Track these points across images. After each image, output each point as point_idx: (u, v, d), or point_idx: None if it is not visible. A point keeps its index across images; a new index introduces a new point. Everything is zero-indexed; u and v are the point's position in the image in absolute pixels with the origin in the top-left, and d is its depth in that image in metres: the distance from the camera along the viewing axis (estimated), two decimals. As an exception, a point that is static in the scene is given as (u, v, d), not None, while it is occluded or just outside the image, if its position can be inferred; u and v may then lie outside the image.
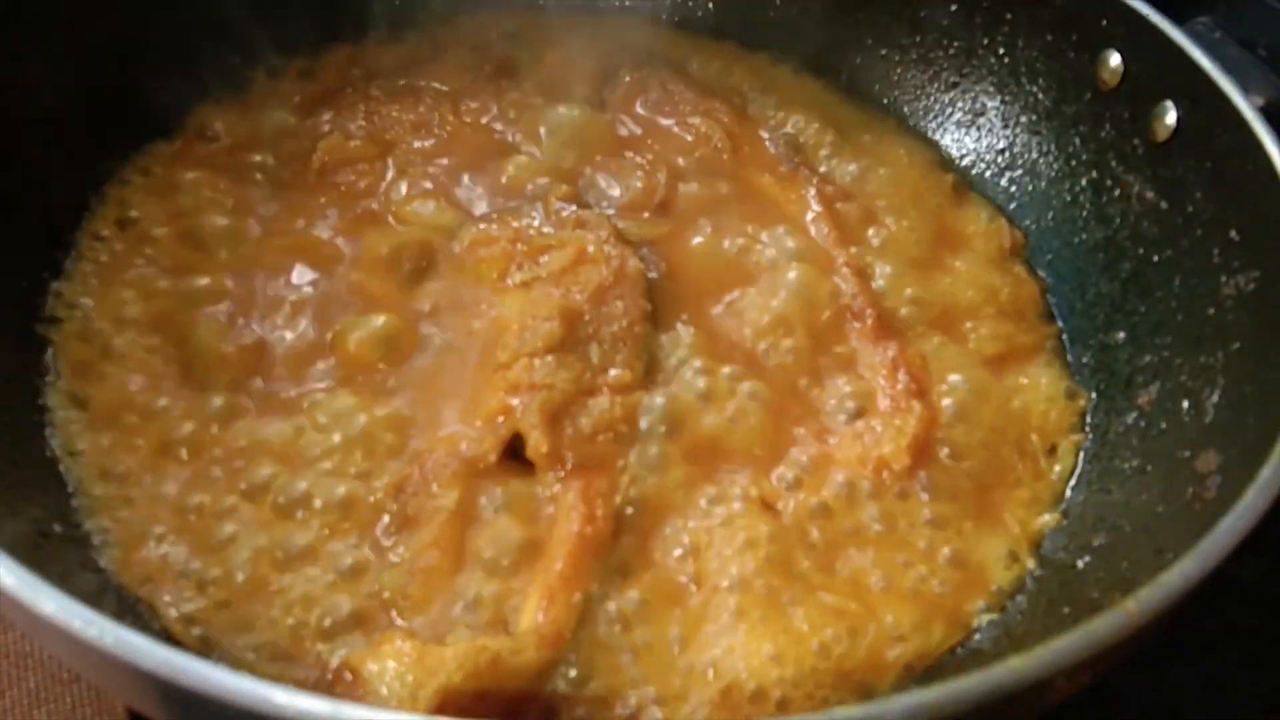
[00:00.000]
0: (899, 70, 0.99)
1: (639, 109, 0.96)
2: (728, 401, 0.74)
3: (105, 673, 0.49)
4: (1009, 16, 0.92)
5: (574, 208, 0.84)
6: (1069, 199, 0.88)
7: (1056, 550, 0.71)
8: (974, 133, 0.95)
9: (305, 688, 0.45)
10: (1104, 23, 0.83)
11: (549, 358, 0.73)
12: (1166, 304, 0.77)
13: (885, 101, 0.99)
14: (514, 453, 0.70)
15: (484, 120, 0.93)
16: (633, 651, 0.63)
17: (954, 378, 0.78)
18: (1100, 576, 0.66)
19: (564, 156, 0.90)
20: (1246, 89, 0.74)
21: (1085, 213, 0.86)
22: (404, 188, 0.85)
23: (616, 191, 0.88)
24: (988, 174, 0.94)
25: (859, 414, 0.75)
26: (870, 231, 0.87)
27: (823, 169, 0.92)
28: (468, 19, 1.02)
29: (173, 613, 0.61)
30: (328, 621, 0.62)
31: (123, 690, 0.56)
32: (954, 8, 0.95)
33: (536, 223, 0.83)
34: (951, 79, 0.97)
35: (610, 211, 0.86)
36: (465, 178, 0.88)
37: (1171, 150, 0.79)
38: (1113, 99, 0.84)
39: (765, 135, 0.94)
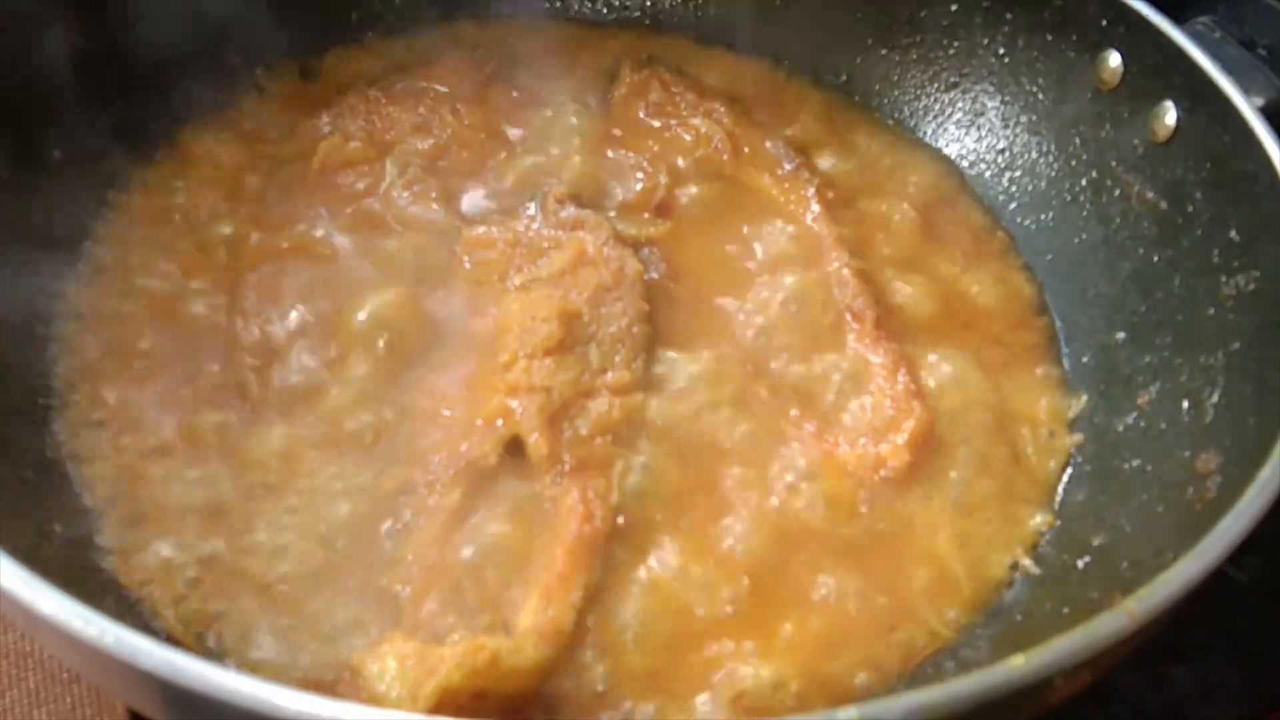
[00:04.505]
0: (899, 70, 0.99)
1: (639, 110, 0.96)
2: (726, 402, 0.74)
3: (105, 673, 0.50)
4: (1009, 16, 0.92)
5: (573, 209, 0.84)
6: (1069, 199, 0.88)
7: (1056, 550, 0.70)
8: (974, 133, 0.95)
9: (305, 688, 0.44)
10: (1104, 23, 0.83)
11: (548, 360, 0.73)
12: (1166, 304, 0.77)
13: (885, 101, 0.99)
14: (514, 453, 0.70)
15: (483, 122, 0.93)
16: (633, 652, 0.63)
17: (953, 378, 0.78)
18: (1100, 576, 0.65)
19: (563, 157, 0.90)
20: (1246, 89, 0.74)
21: (1085, 213, 0.86)
22: (403, 189, 0.85)
23: (616, 192, 0.88)
24: (988, 174, 0.94)
25: (858, 414, 0.75)
26: (869, 232, 0.87)
27: (822, 170, 0.92)
28: (467, 21, 1.02)
29: (172, 613, 0.61)
30: (328, 621, 0.62)
31: (123, 690, 0.56)
32: (954, 8, 0.95)
33: (535, 224, 0.83)
34: (951, 79, 0.97)
35: (610, 213, 0.86)
36: (464, 179, 0.88)
37: (1171, 150, 0.79)
38: (1113, 99, 0.84)
39: (765, 136, 0.94)
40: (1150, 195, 0.80)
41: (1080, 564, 0.68)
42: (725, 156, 0.92)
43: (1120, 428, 0.75)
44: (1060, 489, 0.75)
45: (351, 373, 0.73)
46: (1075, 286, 0.85)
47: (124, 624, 0.45)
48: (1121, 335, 0.79)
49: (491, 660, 0.58)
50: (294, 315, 0.76)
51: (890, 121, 0.99)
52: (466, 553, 0.65)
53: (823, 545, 0.69)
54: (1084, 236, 0.86)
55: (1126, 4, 0.81)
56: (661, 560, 0.66)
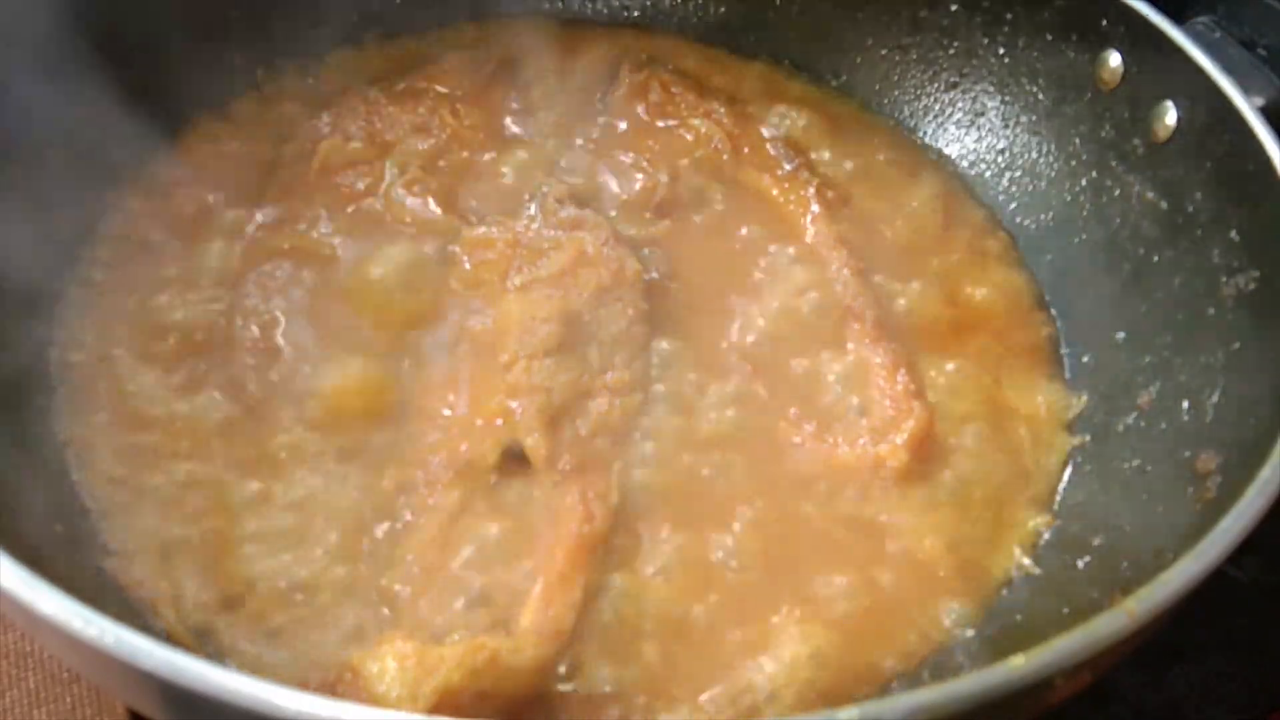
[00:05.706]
0: (899, 70, 0.99)
1: (639, 110, 0.96)
2: (726, 402, 0.74)
3: (105, 673, 0.50)
4: (1009, 16, 0.91)
5: (573, 209, 0.84)
6: (1069, 199, 0.88)
7: (1056, 550, 0.70)
8: (974, 133, 0.95)
9: (305, 688, 0.44)
10: (1104, 23, 0.83)
11: (548, 360, 0.73)
12: (1166, 304, 0.77)
13: (885, 102, 0.99)
14: (514, 453, 0.70)
15: (483, 122, 0.93)
16: (633, 652, 0.63)
17: (953, 378, 0.78)
18: (1100, 576, 0.65)
19: (562, 157, 0.90)
20: (1246, 89, 0.74)
21: (1085, 213, 0.86)
22: (403, 189, 0.85)
23: (616, 192, 0.88)
24: (988, 174, 0.94)
25: (857, 414, 0.75)
26: (869, 232, 0.87)
27: (822, 170, 0.92)
28: (467, 21, 1.02)
29: (172, 613, 0.61)
30: (328, 622, 0.62)
31: (123, 690, 0.56)
32: (954, 8, 0.94)
33: (535, 224, 0.83)
34: (951, 79, 0.97)
35: (610, 213, 0.86)
36: (464, 179, 0.88)
37: (1171, 150, 0.79)
38: (1113, 99, 0.84)
39: (765, 137, 0.94)
40: (1150, 195, 0.80)
41: (1080, 564, 0.68)
42: (725, 156, 0.92)
43: (1120, 428, 0.75)
44: (1060, 489, 0.75)
45: (350, 373, 0.73)
46: (1075, 286, 0.85)
47: (124, 624, 0.45)
48: (1121, 335, 0.79)
49: (491, 660, 0.58)
50: (294, 317, 0.76)
51: (890, 121, 0.99)
52: (466, 553, 0.65)
53: (822, 545, 0.69)
54: (1084, 236, 0.86)
55: (1126, 4, 0.81)
56: (661, 560, 0.66)
